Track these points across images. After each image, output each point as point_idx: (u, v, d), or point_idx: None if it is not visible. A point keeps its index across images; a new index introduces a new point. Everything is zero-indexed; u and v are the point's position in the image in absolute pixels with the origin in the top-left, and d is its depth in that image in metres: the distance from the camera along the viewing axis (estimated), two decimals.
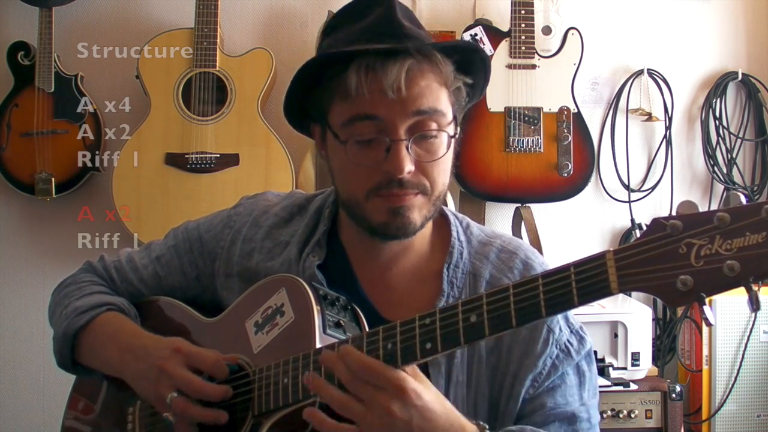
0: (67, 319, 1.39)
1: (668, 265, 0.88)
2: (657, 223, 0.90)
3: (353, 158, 1.21)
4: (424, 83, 1.19)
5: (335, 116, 1.22)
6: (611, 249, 0.93)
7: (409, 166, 1.18)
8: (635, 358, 2.62)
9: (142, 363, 1.29)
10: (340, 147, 1.22)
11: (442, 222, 1.35)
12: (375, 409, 1.03)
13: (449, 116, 1.23)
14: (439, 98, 1.21)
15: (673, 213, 0.91)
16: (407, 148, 1.18)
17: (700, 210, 0.89)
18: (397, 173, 1.18)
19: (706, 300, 0.87)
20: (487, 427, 1.11)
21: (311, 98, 1.26)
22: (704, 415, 2.80)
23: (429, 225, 1.32)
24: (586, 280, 0.94)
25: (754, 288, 0.84)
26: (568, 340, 1.27)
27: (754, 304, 0.84)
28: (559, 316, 1.27)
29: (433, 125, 1.21)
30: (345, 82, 1.18)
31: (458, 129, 1.26)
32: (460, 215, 1.39)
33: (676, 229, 0.88)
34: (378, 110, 1.18)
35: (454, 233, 1.33)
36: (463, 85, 1.26)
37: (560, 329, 1.26)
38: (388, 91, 1.16)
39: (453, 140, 1.24)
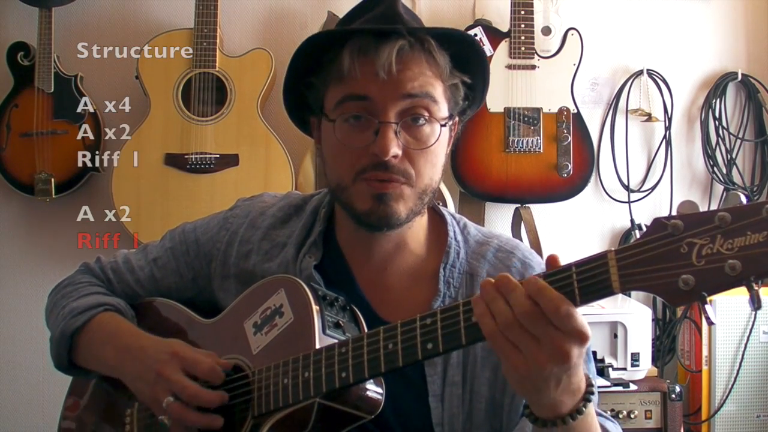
0: (65, 320, 1.39)
1: (670, 264, 0.88)
2: (658, 223, 0.91)
3: (341, 138, 1.22)
4: (417, 69, 1.20)
5: (330, 100, 1.24)
6: (612, 249, 0.93)
7: (395, 150, 1.19)
8: (635, 358, 2.61)
9: (139, 364, 1.29)
10: (330, 127, 1.23)
11: (438, 222, 1.35)
12: (548, 346, 0.93)
13: (443, 109, 1.23)
14: (433, 85, 1.21)
15: (673, 213, 0.91)
16: (396, 132, 1.19)
17: (701, 210, 0.89)
18: (383, 155, 1.18)
19: (708, 299, 0.87)
20: (593, 385, 1.04)
21: (311, 89, 1.27)
22: (704, 416, 2.80)
23: (425, 225, 1.33)
24: (588, 280, 0.94)
25: (755, 287, 0.84)
26: None
27: (756, 303, 0.85)
28: None
29: (425, 112, 1.21)
30: (339, 64, 1.20)
31: (456, 128, 1.26)
32: (458, 215, 1.39)
33: (677, 229, 0.89)
34: (369, 90, 1.19)
35: (451, 233, 1.33)
36: (461, 84, 1.26)
37: None
38: (380, 72, 1.17)
39: (444, 130, 1.24)
